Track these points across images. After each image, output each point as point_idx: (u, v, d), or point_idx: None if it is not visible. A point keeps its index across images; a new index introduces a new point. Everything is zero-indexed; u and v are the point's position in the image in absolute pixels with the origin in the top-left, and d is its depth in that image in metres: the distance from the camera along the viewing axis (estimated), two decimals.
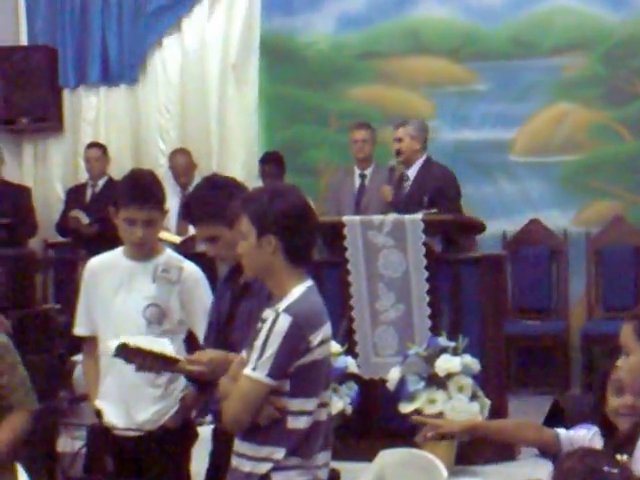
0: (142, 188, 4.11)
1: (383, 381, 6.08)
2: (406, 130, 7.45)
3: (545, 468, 3.49)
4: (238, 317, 3.65)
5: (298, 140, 8.79)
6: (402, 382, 5.92)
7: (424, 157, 7.40)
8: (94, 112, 9.39)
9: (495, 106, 8.55)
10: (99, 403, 4.19)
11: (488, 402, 5.92)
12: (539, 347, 8.26)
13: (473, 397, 5.88)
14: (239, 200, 3.34)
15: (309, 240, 3.27)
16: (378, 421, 6.35)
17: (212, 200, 3.76)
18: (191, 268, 4.23)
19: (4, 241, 8.19)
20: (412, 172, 7.40)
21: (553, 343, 8.18)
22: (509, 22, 8.57)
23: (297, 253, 3.23)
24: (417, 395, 5.86)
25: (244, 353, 3.25)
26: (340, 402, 5.93)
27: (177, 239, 7.51)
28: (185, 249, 6.64)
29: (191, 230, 8.06)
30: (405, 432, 5.84)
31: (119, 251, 4.26)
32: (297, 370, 3.13)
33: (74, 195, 8.97)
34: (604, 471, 2.57)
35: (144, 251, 4.17)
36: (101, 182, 8.88)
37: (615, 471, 2.58)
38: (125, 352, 3.52)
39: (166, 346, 3.58)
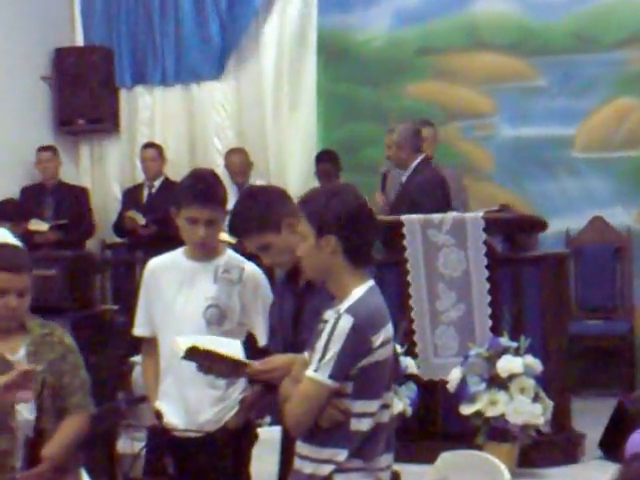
0: (204, 187, 4.13)
1: (443, 382, 6.07)
2: (391, 138, 7.45)
3: (608, 471, 3.47)
4: (305, 316, 3.65)
5: (355, 138, 8.81)
6: (463, 383, 5.92)
7: (418, 160, 7.36)
8: (150, 112, 9.47)
9: (556, 102, 8.51)
10: (159, 404, 4.22)
11: (551, 403, 5.90)
12: (603, 347, 8.21)
13: (535, 398, 5.86)
14: (297, 201, 3.37)
15: (369, 239, 3.28)
16: (438, 423, 6.36)
17: (252, 212, 3.79)
18: (252, 269, 4.24)
19: (62, 242, 8.31)
20: (405, 176, 7.40)
21: (617, 343, 8.12)
22: (570, 16, 8.52)
23: (357, 253, 3.23)
24: (478, 396, 5.85)
25: (306, 354, 3.27)
26: (400, 403, 5.94)
27: (233, 239, 7.55)
28: (242, 249, 6.68)
29: None
30: (466, 434, 5.88)
31: (179, 251, 4.28)
32: (359, 371, 3.14)
33: (131, 196, 9.05)
34: None
35: (205, 251, 4.19)
36: (157, 182, 8.96)
37: None
38: (195, 355, 3.49)
39: (236, 347, 3.58)
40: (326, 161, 8.47)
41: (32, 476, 3.83)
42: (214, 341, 3.62)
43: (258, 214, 3.76)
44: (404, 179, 7.30)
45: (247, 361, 3.52)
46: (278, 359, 3.43)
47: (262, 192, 3.98)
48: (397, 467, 4.59)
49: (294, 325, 3.71)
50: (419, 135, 7.38)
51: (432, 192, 7.05)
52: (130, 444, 5.73)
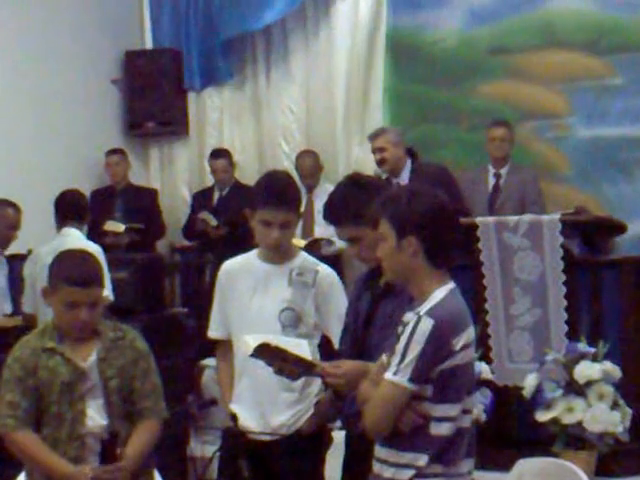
0: (279, 190, 4.16)
1: (518, 388, 6.04)
2: (387, 138, 7.44)
3: None
4: (378, 319, 3.67)
5: (427, 139, 8.78)
6: (539, 389, 5.88)
7: (409, 162, 7.33)
8: (218, 114, 9.54)
9: (634, 101, 8.41)
10: (234, 406, 4.26)
11: (630, 411, 5.84)
12: None
13: (614, 406, 5.79)
14: (377, 202, 3.38)
15: (450, 241, 3.29)
16: (513, 429, 6.31)
17: (354, 200, 3.78)
18: (327, 271, 4.27)
19: (136, 245, 8.40)
20: (404, 179, 7.35)
21: None
22: None
23: (438, 254, 3.25)
24: (554, 403, 5.80)
25: (384, 357, 3.28)
26: (474, 409, 5.91)
27: (301, 242, 7.59)
28: (309, 252, 6.72)
29: (316, 232, 8.16)
30: (541, 441, 5.84)
31: (253, 254, 4.32)
32: (439, 375, 3.15)
33: (201, 198, 9.10)
34: None
35: (279, 254, 4.22)
36: (228, 186, 9.01)
37: None
38: (265, 353, 3.52)
39: (303, 347, 3.62)
40: None
41: (110, 471, 3.89)
42: (282, 341, 3.64)
43: (358, 204, 3.74)
44: (402, 182, 7.28)
45: (316, 362, 3.55)
46: (348, 364, 3.44)
47: (367, 182, 3.95)
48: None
49: (366, 326, 3.72)
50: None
51: (448, 188, 7.06)
52: (201, 447, 5.81)
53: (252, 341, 3.55)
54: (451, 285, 3.27)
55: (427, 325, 3.12)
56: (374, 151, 7.64)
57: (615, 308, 6.24)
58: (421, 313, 3.16)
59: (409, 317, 3.21)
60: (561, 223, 6.20)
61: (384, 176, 7.44)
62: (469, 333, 3.22)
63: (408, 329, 3.16)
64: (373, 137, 7.72)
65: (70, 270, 3.96)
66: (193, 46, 9.45)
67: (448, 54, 8.97)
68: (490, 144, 8.06)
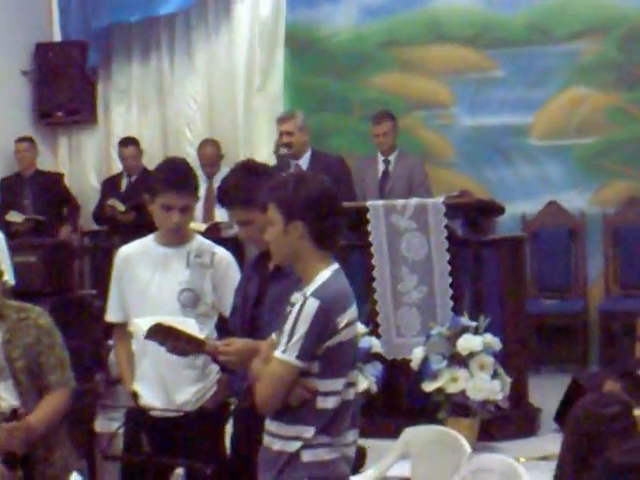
0: (179, 175, 4.13)
1: (407, 361, 6.08)
2: (294, 123, 7.46)
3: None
4: (267, 299, 3.67)
5: (322, 128, 8.76)
6: (425, 361, 5.93)
7: (310, 148, 7.37)
8: (125, 104, 9.43)
9: (513, 91, 8.52)
10: (136, 385, 4.20)
11: (509, 380, 5.92)
12: (558, 325, 8.25)
13: (494, 375, 5.87)
14: (266, 188, 3.35)
15: (335, 225, 3.28)
16: (403, 399, 6.36)
17: (246, 185, 3.77)
18: (223, 253, 4.24)
19: (45, 228, 8.28)
20: (303, 164, 7.38)
21: (572, 321, 8.15)
22: (526, 10, 8.54)
23: (323, 238, 3.24)
24: (440, 374, 5.86)
25: (274, 336, 3.27)
26: (365, 381, 5.95)
27: (202, 227, 7.53)
28: (210, 236, 6.67)
29: (217, 217, 8.11)
30: (429, 410, 5.90)
31: (150, 238, 4.27)
32: (325, 352, 3.15)
33: (110, 185, 9.03)
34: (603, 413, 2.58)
35: (178, 237, 4.18)
36: (136, 173, 8.91)
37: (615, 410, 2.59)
38: (158, 333, 3.50)
39: (192, 326, 3.59)
40: None
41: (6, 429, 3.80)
42: (171, 321, 3.59)
43: (250, 188, 3.73)
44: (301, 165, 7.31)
45: (207, 340, 3.53)
46: (238, 342, 3.42)
47: (259, 168, 3.95)
48: (363, 442, 4.63)
49: (256, 307, 3.71)
50: None
51: (342, 177, 7.19)
52: (107, 424, 5.72)
53: (143, 323, 3.52)
54: (335, 266, 3.26)
55: (313, 305, 3.12)
56: (281, 134, 7.60)
57: (495, 284, 6.32)
58: (307, 294, 3.15)
59: (296, 298, 3.20)
60: (445, 206, 6.25)
61: (284, 152, 7.42)
62: (352, 311, 3.22)
63: (295, 309, 3.15)
64: (281, 120, 7.67)
65: None
66: (94, 30, 9.28)
67: (342, 47, 8.99)
68: (375, 139, 8.09)
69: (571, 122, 8.45)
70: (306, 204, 3.21)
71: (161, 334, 3.49)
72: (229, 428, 4.10)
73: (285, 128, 7.55)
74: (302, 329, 3.11)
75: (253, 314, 3.71)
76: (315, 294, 3.14)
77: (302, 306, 3.13)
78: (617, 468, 1.69)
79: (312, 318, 3.11)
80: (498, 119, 8.53)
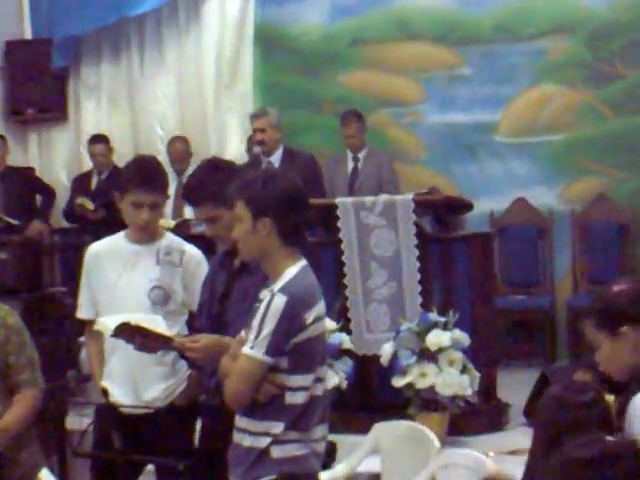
0: (149, 173, 4.13)
1: (377, 356, 6.09)
2: (267, 120, 7.43)
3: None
4: (233, 296, 3.67)
5: (292, 125, 8.73)
6: (395, 357, 5.94)
7: (282, 145, 7.38)
8: (95, 101, 9.39)
9: (481, 89, 8.54)
10: (106, 382, 4.19)
11: (477, 375, 5.94)
12: (527, 321, 8.28)
13: (463, 370, 5.89)
14: (234, 185, 3.35)
15: (302, 222, 3.29)
16: (373, 395, 6.37)
17: (212, 182, 3.76)
18: (193, 251, 4.23)
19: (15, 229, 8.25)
20: (275, 161, 7.37)
21: (540, 317, 8.18)
22: (494, 8, 8.55)
23: (291, 235, 3.24)
24: (409, 369, 5.87)
25: (242, 332, 3.26)
26: (336, 377, 5.95)
27: (171, 224, 7.51)
28: (180, 232, 6.65)
29: (186, 214, 8.09)
30: (399, 405, 5.91)
31: (120, 236, 4.26)
32: (293, 347, 3.15)
33: (80, 182, 8.99)
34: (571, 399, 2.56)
35: (147, 235, 4.17)
36: (106, 170, 8.88)
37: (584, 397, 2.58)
38: (124, 332, 3.50)
39: (159, 323, 3.60)
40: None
41: None
42: (139, 319, 3.61)
43: (216, 185, 3.73)
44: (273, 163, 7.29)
45: (174, 337, 3.53)
46: (205, 338, 3.42)
47: (225, 165, 3.96)
48: (334, 437, 4.63)
49: (222, 303, 3.71)
50: None
51: (314, 176, 7.21)
52: (78, 420, 5.70)
53: (110, 322, 3.51)
54: (303, 263, 3.26)
55: (280, 301, 3.12)
56: (254, 130, 7.58)
57: (463, 280, 6.34)
58: (275, 290, 3.16)
59: (264, 294, 3.21)
60: (414, 202, 6.26)
61: (257, 149, 7.41)
62: (320, 307, 3.22)
63: (263, 305, 3.15)
64: (255, 117, 7.64)
65: None
66: (62, 31, 9.21)
67: (312, 46, 8.98)
68: (344, 140, 8.09)
69: (539, 119, 8.48)
70: (275, 201, 3.21)
71: (127, 333, 3.51)
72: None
73: (258, 125, 7.52)
74: (270, 325, 3.11)
75: (219, 310, 3.72)
76: (283, 290, 3.14)
77: (270, 302, 3.13)
78: (572, 462, 1.69)
79: (280, 314, 3.11)
80: (467, 116, 8.55)
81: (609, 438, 2.14)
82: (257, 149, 7.44)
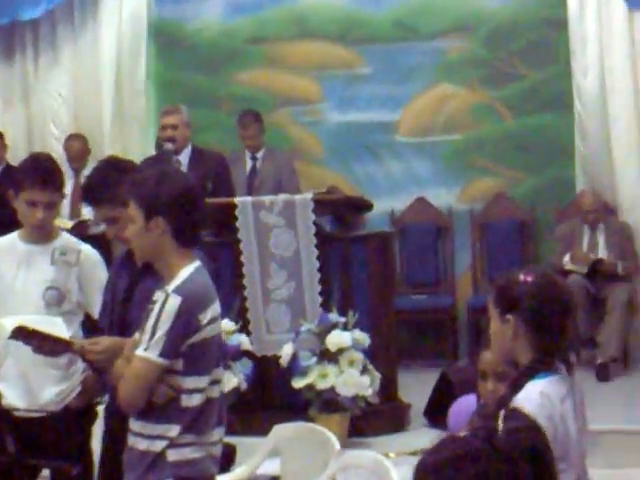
0: (44, 171, 4.09)
1: (277, 357, 6.09)
2: (180, 116, 7.37)
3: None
4: (136, 296, 3.64)
5: (191, 123, 8.71)
6: (295, 358, 5.94)
7: (190, 143, 7.38)
8: None
9: (380, 88, 8.59)
10: (0, 385, 4.12)
11: (378, 375, 5.98)
12: (427, 320, 8.37)
13: (364, 371, 5.92)
14: (126, 184, 3.31)
15: (197, 222, 3.27)
16: (273, 396, 6.36)
17: (111, 182, 3.73)
18: (89, 251, 4.21)
19: None
20: (184, 159, 7.35)
21: (441, 316, 8.28)
22: (393, 7, 8.62)
23: (185, 235, 3.22)
24: (309, 370, 5.88)
25: (137, 334, 3.23)
26: (235, 379, 5.93)
27: (68, 224, 7.40)
28: (77, 233, 6.56)
29: (84, 214, 7.98)
30: (299, 406, 5.91)
31: (14, 235, 4.22)
32: (188, 349, 3.13)
33: None
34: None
35: (42, 234, 4.13)
36: None
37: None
38: (22, 334, 3.46)
39: (59, 325, 3.56)
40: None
41: None
42: (38, 321, 3.59)
43: (116, 185, 3.68)
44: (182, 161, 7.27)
45: (74, 340, 3.50)
46: (106, 340, 3.40)
47: (124, 165, 3.93)
48: (234, 440, 4.62)
49: (125, 304, 3.69)
50: None
51: (224, 175, 7.16)
52: None
53: (8, 324, 3.46)
54: (197, 263, 3.25)
55: (175, 302, 3.10)
56: (164, 127, 7.45)
57: (363, 280, 6.37)
58: (169, 291, 3.14)
59: (158, 295, 3.19)
60: (313, 202, 6.27)
61: (168, 146, 7.31)
62: (215, 308, 3.21)
63: (157, 306, 3.14)
64: (166, 114, 7.51)
65: None
66: None
67: (209, 43, 8.94)
68: (243, 141, 8.08)
69: (438, 119, 8.57)
70: (167, 200, 3.19)
71: (24, 336, 3.46)
72: (99, 428, 4.05)
73: (170, 121, 7.38)
74: (164, 326, 3.09)
75: (122, 311, 3.69)
76: (177, 291, 3.13)
77: (164, 303, 3.11)
78: (430, 467, 1.69)
79: (174, 315, 3.09)
80: (366, 115, 8.60)
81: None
82: (169, 145, 7.34)
